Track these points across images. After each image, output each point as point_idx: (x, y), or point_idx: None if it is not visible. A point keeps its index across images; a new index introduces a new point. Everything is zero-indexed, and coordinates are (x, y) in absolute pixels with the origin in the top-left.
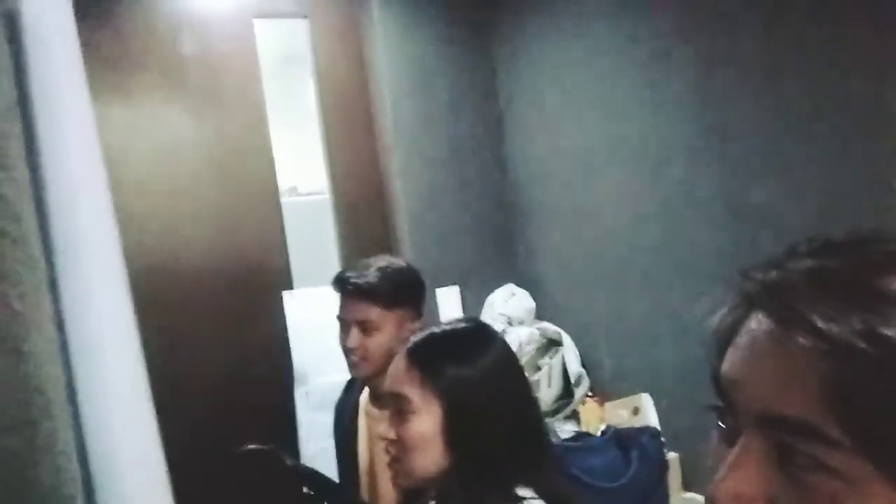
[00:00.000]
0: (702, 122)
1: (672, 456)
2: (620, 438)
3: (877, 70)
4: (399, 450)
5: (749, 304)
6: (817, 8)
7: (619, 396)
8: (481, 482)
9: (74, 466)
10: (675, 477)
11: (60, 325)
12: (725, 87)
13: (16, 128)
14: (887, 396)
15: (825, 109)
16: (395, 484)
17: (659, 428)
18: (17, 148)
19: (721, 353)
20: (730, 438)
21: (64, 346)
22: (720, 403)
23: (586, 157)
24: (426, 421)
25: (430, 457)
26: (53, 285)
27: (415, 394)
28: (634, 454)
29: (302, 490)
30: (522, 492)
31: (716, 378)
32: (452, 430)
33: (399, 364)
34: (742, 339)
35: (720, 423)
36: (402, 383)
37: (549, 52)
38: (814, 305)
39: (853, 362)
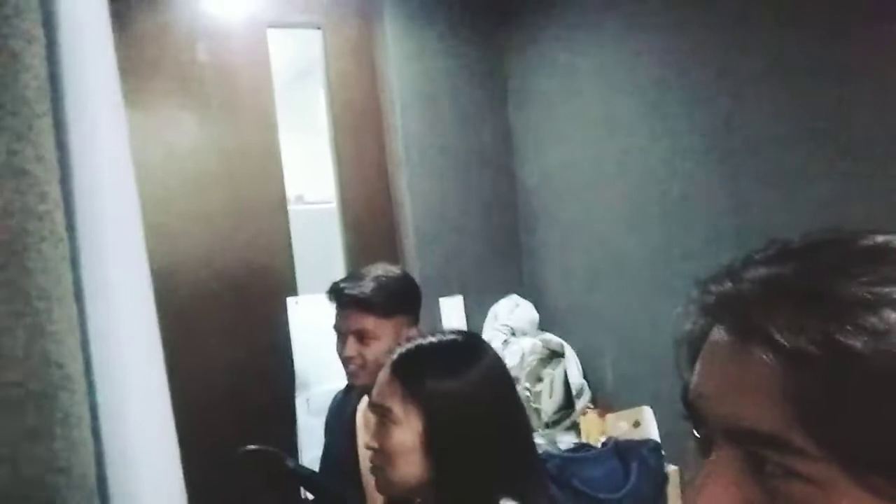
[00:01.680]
0: (707, 138)
1: (672, 469)
2: (621, 450)
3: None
4: (381, 459)
5: (707, 316)
6: (825, 27)
7: (621, 409)
8: (462, 495)
9: (90, 441)
10: (674, 490)
11: (80, 302)
12: (730, 103)
13: (45, 106)
14: (848, 402)
15: (829, 125)
16: (379, 492)
17: (659, 441)
18: (46, 126)
19: (689, 366)
20: (704, 449)
21: (83, 324)
22: (691, 416)
23: (593, 170)
24: (406, 433)
25: (409, 468)
26: (75, 263)
27: (396, 405)
28: (634, 466)
29: (300, 492)
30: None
31: (685, 392)
32: (432, 443)
33: (383, 375)
34: (706, 353)
35: (695, 433)
36: (385, 395)
37: (558, 66)
38: (770, 317)
39: (812, 371)
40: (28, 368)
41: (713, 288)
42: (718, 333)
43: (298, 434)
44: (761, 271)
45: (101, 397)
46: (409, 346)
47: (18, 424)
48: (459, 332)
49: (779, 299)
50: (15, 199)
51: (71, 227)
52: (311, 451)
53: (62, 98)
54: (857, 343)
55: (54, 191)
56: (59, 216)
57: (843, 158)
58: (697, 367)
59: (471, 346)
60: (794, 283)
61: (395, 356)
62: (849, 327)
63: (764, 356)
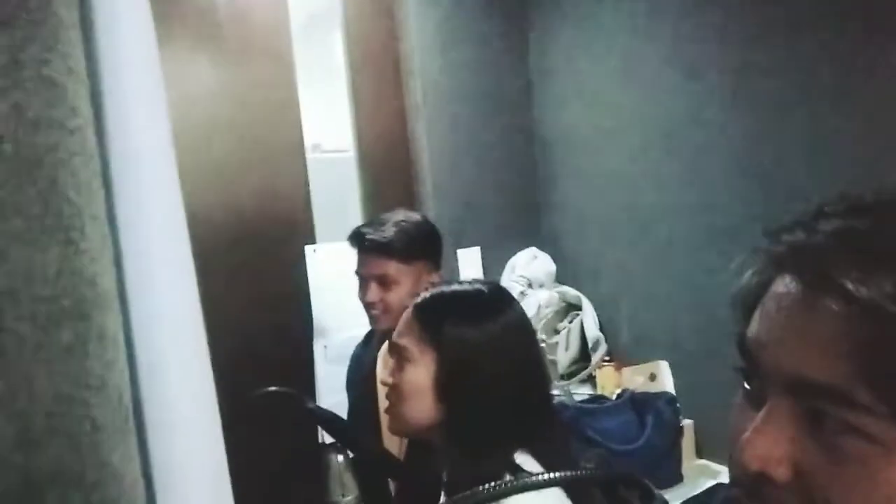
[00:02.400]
0: (727, 91)
1: (687, 423)
2: (636, 402)
3: None
4: (394, 396)
5: (776, 266)
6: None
7: (637, 362)
8: (475, 444)
9: (124, 359)
10: (688, 443)
11: (112, 220)
12: (750, 58)
13: (73, 15)
14: None
15: (853, 82)
16: (391, 431)
17: (675, 394)
18: (74, 37)
19: (746, 316)
20: (756, 401)
21: (115, 242)
22: (745, 366)
23: (613, 123)
24: (420, 372)
25: (420, 407)
26: (106, 180)
27: (413, 345)
28: (649, 419)
29: (318, 434)
30: (522, 459)
31: (741, 341)
32: (443, 386)
33: (406, 316)
34: (770, 303)
35: (746, 385)
36: (404, 334)
37: (580, 17)
38: (844, 268)
39: (884, 326)
40: (62, 285)
41: (785, 237)
42: (785, 284)
43: (317, 381)
44: (835, 223)
45: (135, 316)
46: (435, 290)
47: (53, 341)
48: (486, 283)
49: (854, 252)
50: (45, 111)
51: (102, 144)
52: (329, 397)
53: (91, 8)
54: None
55: (85, 105)
56: (90, 132)
57: (872, 118)
58: (758, 316)
59: (495, 297)
60: (869, 236)
61: (418, 299)
62: None
63: (835, 307)
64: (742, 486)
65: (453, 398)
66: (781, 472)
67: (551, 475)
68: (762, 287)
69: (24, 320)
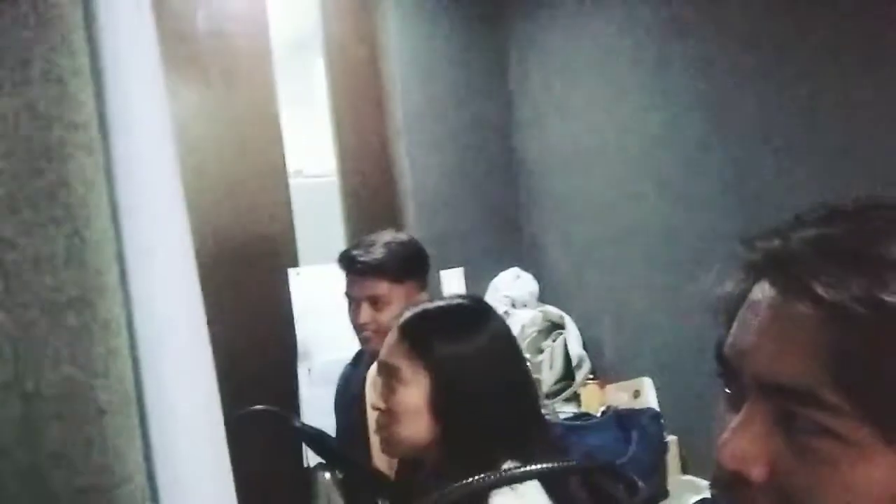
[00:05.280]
0: (706, 111)
1: (672, 439)
2: (621, 419)
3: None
4: (387, 419)
5: (753, 273)
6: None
7: (621, 380)
8: (467, 456)
9: (127, 348)
10: (673, 459)
11: (115, 213)
12: (730, 78)
13: (78, 16)
14: (886, 361)
15: (827, 97)
16: (385, 452)
17: (659, 411)
18: (79, 37)
19: (727, 324)
20: (735, 405)
21: (118, 234)
22: (723, 372)
23: (593, 143)
24: (414, 392)
25: (415, 427)
26: (109, 175)
27: (404, 365)
28: (634, 434)
29: (303, 453)
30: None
31: (720, 347)
32: (439, 404)
33: (392, 336)
34: (746, 309)
35: (726, 390)
36: (393, 354)
37: (560, 40)
38: (815, 273)
39: (853, 328)
40: (68, 274)
41: (760, 245)
42: (761, 290)
43: (301, 404)
44: (810, 231)
45: (136, 307)
46: (417, 308)
47: (60, 329)
48: (467, 297)
49: (826, 257)
50: (52, 109)
51: (106, 140)
52: (314, 420)
53: (95, 9)
54: None
55: (89, 102)
56: (95, 128)
57: (844, 134)
58: (735, 323)
59: (478, 310)
60: (841, 242)
61: (403, 318)
62: (893, 288)
63: (806, 311)
64: (719, 485)
65: (449, 414)
66: (757, 472)
67: (535, 467)
68: (741, 295)
69: (33, 307)
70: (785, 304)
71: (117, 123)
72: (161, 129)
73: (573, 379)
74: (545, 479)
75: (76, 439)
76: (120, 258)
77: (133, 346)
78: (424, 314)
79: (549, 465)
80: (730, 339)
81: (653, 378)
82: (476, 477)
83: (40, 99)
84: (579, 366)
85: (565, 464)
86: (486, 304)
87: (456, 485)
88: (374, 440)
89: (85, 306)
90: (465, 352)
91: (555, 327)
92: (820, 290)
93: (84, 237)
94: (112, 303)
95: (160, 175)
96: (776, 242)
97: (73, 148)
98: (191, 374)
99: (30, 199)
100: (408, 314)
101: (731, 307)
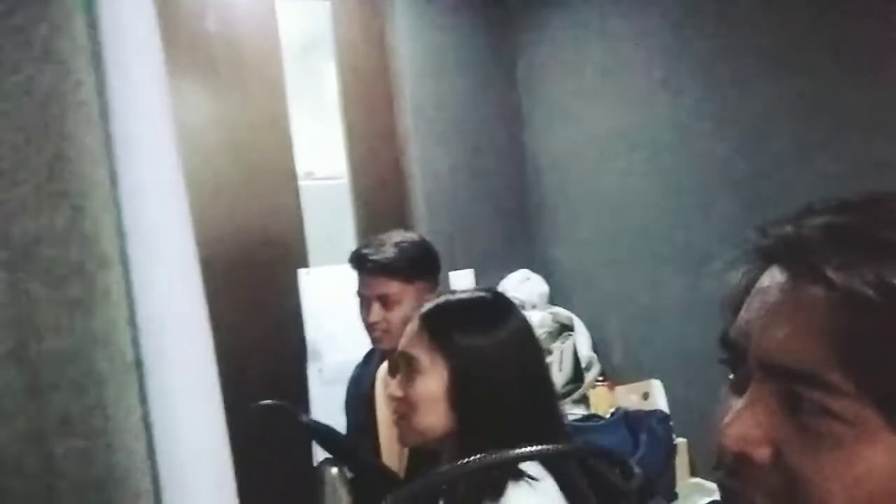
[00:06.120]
0: (713, 111)
1: (680, 441)
2: (630, 420)
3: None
4: (405, 408)
5: (763, 260)
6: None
7: (630, 382)
8: (483, 448)
9: (126, 317)
10: (682, 462)
11: (115, 188)
12: (738, 76)
13: None
14: (892, 346)
15: (841, 98)
16: (401, 442)
17: (668, 413)
18: (80, 18)
19: (734, 314)
20: (740, 389)
21: (118, 208)
22: (729, 357)
23: (602, 144)
24: (432, 382)
25: (433, 417)
26: (110, 152)
27: (423, 355)
28: (643, 436)
29: (311, 450)
30: (527, 465)
31: (724, 336)
32: (457, 394)
33: (412, 326)
34: (755, 294)
35: (731, 375)
36: (412, 344)
37: (568, 40)
38: (826, 257)
39: (863, 312)
40: (68, 245)
41: (771, 231)
42: (770, 276)
43: (311, 404)
44: (822, 218)
45: (136, 278)
46: (439, 299)
47: (62, 296)
48: (487, 290)
49: (837, 242)
50: (53, 86)
51: (105, 117)
52: (323, 420)
53: None
54: None
55: (89, 80)
56: (95, 105)
57: (855, 131)
58: (744, 308)
59: (499, 303)
60: (853, 229)
61: (423, 309)
62: None
63: (816, 295)
64: (724, 467)
65: (466, 406)
66: (761, 453)
67: (533, 448)
68: (750, 286)
69: (35, 278)
70: (795, 288)
71: (117, 101)
72: (160, 106)
73: (582, 381)
74: (554, 470)
75: (77, 406)
76: (119, 231)
77: (132, 317)
78: (446, 305)
79: (544, 447)
80: (737, 323)
81: (662, 380)
82: (471, 458)
83: (42, 76)
84: (588, 367)
85: (560, 447)
86: (506, 297)
87: (449, 466)
88: (384, 438)
89: (85, 277)
90: (485, 344)
91: (564, 329)
92: (831, 274)
93: (84, 210)
94: (111, 274)
95: (159, 150)
96: (788, 228)
97: (74, 124)
98: (189, 343)
99: (32, 173)
100: (429, 305)
101: (738, 297)
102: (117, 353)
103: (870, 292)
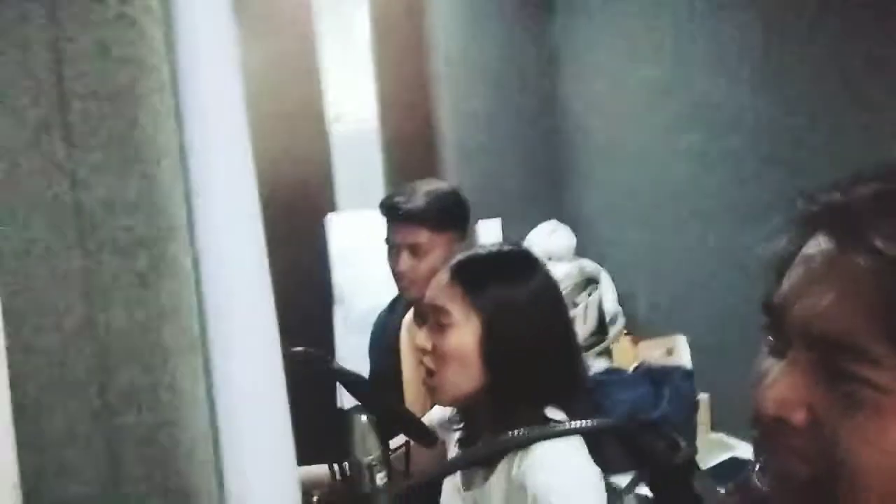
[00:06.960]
0: (749, 68)
1: (703, 397)
2: (653, 375)
3: None
4: (435, 362)
5: (810, 227)
6: None
7: (654, 337)
8: (511, 401)
9: (192, 291)
10: (703, 417)
11: (184, 155)
12: (778, 35)
13: None
14: None
15: (876, 58)
16: (432, 399)
17: (691, 369)
18: None
19: (777, 280)
20: (779, 353)
21: (186, 177)
22: (770, 323)
23: (638, 98)
24: (465, 334)
25: (465, 371)
26: (179, 118)
27: (455, 307)
28: (666, 391)
29: (336, 397)
30: (553, 414)
31: (768, 301)
32: (489, 347)
33: (442, 278)
34: (800, 262)
35: (771, 339)
36: (444, 297)
37: None
38: (875, 226)
39: None
40: (138, 214)
41: (819, 197)
42: (816, 243)
43: (336, 349)
44: (871, 186)
45: (202, 249)
46: (469, 252)
47: (130, 269)
48: (513, 244)
49: (886, 211)
50: (126, 49)
51: (175, 82)
52: (348, 365)
53: None
54: None
55: (160, 45)
56: (166, 70)
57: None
58: (788, 275)
59: (526, 257)
60: None
61: (454, 261)
62: None
63: (862, 263)
64: (760, 427)
65: (499, 358)
66: (798, 417)
67: (580, 423)
68: (794, 253)
69: (105, 247)
70: (841, 256)
71: (187, 65)
72: (229, 70)
73: (606, 334)
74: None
75: (144, 379)
76: (187, 199)
77: (199, 288)
78: (478, 258)
79: (596, 422)
80: (781, 290)
81: (687, 336)
82: (520, 430)
83: (114, 40)
84: (613, 321)
85: (605, 422)
86: (531, 252)
87: (501, 438)
88: (409, 385)
89: (153, 247)
90: (517, 296)
91: (590, 282)
92: (879, 244)
93: (153, 178)
94: (179, 245)
95: (227, 116)
96: (836, 195)
97: (146, 89)
98: (253, 314)
99: (102, 141)
100: (460, 257)
101: (783, 263)
102: (184, 326)
103: None
